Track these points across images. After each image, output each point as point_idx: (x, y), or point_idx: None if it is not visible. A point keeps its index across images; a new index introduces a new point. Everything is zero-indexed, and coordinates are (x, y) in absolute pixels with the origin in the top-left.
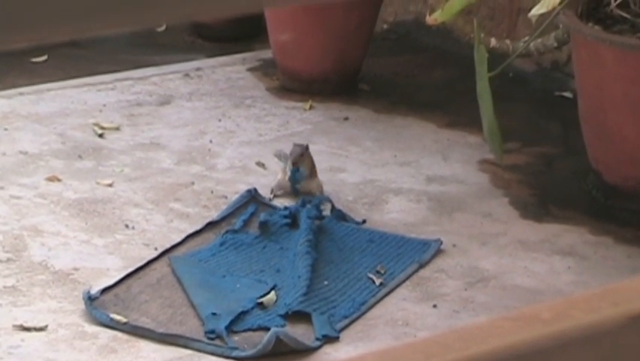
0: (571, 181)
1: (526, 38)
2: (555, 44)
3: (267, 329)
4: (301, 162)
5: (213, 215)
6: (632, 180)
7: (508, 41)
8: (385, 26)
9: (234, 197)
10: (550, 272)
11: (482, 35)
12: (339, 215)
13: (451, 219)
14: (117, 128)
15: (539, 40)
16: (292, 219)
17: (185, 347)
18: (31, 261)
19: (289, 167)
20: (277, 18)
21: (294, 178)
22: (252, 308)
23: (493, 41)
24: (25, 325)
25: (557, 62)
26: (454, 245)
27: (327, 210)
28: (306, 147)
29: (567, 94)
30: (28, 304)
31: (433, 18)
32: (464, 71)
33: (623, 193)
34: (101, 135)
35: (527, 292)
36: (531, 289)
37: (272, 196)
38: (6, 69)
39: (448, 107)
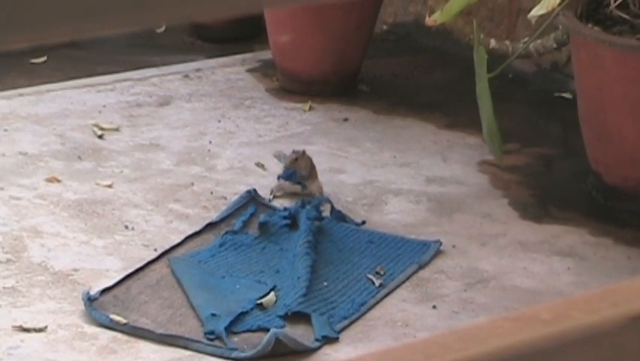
0: (570, 182)
1: (526, 39)
2: (555, 45)
3: (267, 329)
4: (296, 166)
5: (213, 216)
6: (631, 181)
7: (507, 42)
8: (385, 27)
9: (234, 198)
10: (550, 273)
11: (482, 36)
12: (339, 216)
13: (450, 220)
14: (117, 129)
15: (539, 41)
16: (292, 220)
17: (185, 347)
18: (31, 262)
19: (283, 170)
20: (277, 19)
21: (288, 179)
22: (252, 309)
23: (492, 42)
24: (25, 326)
25: (557, 63)
26: (454, 246)
27: (326, 211)
28: (303, 152)
29: (567, 95)
30: (28, 305)
31: (433, 19)
32: (464, 72)
33: (622, 194)
34: (100, 136)
35: (527, 293)
36: (530, 290)
37: (271, 197)
38: (5, 70)
39: (447, 108)
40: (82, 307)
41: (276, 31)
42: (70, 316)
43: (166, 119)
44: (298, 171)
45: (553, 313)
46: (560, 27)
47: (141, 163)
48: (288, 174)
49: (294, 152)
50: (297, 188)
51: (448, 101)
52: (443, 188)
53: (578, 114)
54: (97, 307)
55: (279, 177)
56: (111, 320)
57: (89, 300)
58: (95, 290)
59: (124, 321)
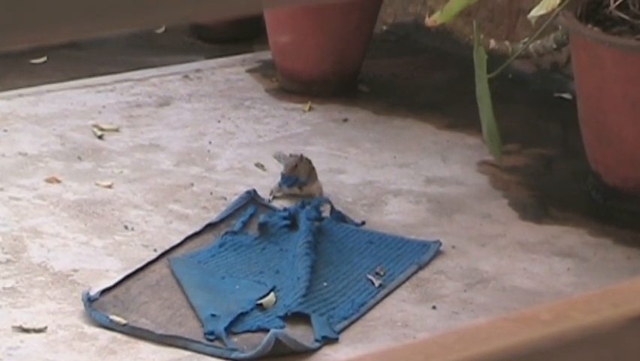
0: (570, 182)
1: (526, 40)
2: (554, 46)
3: (267, 330)
4: (296, 173)
5: (212, 216)
6: (631, 182)
7: (507, 43)
8: (385, 28)
9: (233, 198)
10: (550, 273)
11: (481, 37)
12: (339, 216)
13: (450, 220)
14: (116, 130)
15: (539, 41)
16: (292, 221)
17: (185, 348)
18: (31, 262)
19: (283, 177)
20: (276, 19)
21: (288, 186)
22: (252, 310)
23: (492, 43)
24: (25, 326)
25: (557, 64)
26: (454, 246)
27: (326, 212)
28: (301, 157)
29: (566, 95)
30: (28, 305)
31: (433, 19)
32: (463, 73)
33: (622, 195)
34: (100, 137)
35: (527, 293)
36: (530, 291)
37: (271, 198)
38: (5, 70)
39: (447, 108)
40: (82, 307)
41: (276, 32)
42: (70, 316)
43: (166, 119)
44: (299, 178)
45: (553, 313)
46: (560, 27)
47: (141, 164)
48: (289, 183)
49: (291, 156)
50: (297, 189)
51: (448, 102)
52: (443, 188)
53: (577, 115)
54: (97, 307)
55: (280, 185)
56: (111, 321)
57: (89, 300)
58: (94, 291)
59: (124, 322)
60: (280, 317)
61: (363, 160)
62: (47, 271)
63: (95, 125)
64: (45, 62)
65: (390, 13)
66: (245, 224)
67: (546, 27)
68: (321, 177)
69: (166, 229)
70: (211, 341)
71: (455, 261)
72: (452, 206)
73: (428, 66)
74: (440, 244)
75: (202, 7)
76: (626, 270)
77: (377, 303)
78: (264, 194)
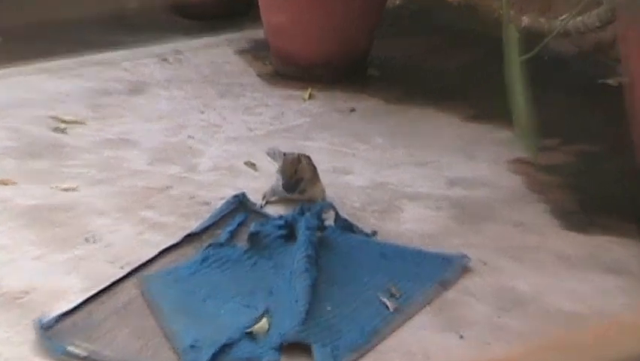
0: (618, 184)
1: (565, 16)
2: (598, 23)
3: None
4: (297, 177)
5: (193, 225)
6: None
7: (542, 20)
8: (398, 2)
9: (219, 204)
10: (597, 293)
11: (512, 13)
12: (345, 225)
13: (477, 230)
14: (81, 122)
15: (579, 18)
16: (288, 231)
17: None
18: None
19: (280, 178)
20: None
21: (289, 191)
22: (240, 339)
23: (525, 20)
24: None
25: (601, 44)
26: (484, 263)
27: (329, 220)
28: (298, 158)
29: (612, 81)
30: None
31: None
32: (491, 55)
33: None
34: (62, 130)
35: (570, 316)
36: (575, 314)
37: (264, 203)
38: None
39: (471, 96)
40: (34, 336)
41: (270, 8)
42: (19, 347)
43: (139, 109)
44: (300, 183)
45: (601, 339)
46: (605, 2)
47: (109, 162)
48: (291, 191)
49: (286, 155)
50: (298, 194)
51: (473, 89)
52: (468, 191)
53: (625, 104)
54: (52, 336)
55: (274, 190)
56: (69, 352)
57: (43, 328)
58: (50, 316)
59: (84, 353)
60: (274, 348)
61: (373, 158)
62: None
63: (56, 117)
64: None
65: None
66: (232, 234)
67: (589, 1)
68: (323, 179)
69: (136, 241)
70: None
71: (485, 279)
72: (479, 212)
73: (449, 47)
74: (467, 259)
75: None
76: None
77: (392, 331)
78: (256, 198)
